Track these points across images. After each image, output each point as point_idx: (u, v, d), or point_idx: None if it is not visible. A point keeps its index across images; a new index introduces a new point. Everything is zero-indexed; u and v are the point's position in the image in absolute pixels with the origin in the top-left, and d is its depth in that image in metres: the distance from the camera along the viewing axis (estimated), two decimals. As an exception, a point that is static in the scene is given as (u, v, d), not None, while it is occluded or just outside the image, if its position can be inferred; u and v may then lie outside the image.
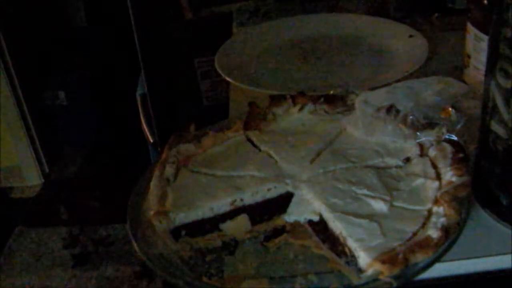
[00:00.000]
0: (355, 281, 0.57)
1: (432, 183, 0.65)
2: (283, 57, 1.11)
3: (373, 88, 0.80)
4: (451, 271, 0.62)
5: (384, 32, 1.13)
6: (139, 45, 1.29)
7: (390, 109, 0.73)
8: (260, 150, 0.74)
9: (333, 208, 0.63)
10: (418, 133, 0.70)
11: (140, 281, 1.85)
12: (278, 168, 0.70)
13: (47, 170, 2.41)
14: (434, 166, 0.67)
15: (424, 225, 0.60)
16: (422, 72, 0.95)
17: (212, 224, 0.66)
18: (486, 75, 0.62)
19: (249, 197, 0.67)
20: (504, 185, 0.64)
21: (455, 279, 0.62)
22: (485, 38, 0.80)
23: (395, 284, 0.55)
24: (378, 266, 0.55)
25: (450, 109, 0.74)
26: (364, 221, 0.61)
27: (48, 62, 2.34)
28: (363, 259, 0.57)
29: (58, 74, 2.37)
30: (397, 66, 1.01)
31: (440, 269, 0.60)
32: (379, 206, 0.63)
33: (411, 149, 0.70)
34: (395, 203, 0.63)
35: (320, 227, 0.64)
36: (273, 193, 0.68)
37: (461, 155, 0.66)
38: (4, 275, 1.93)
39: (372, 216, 0.62)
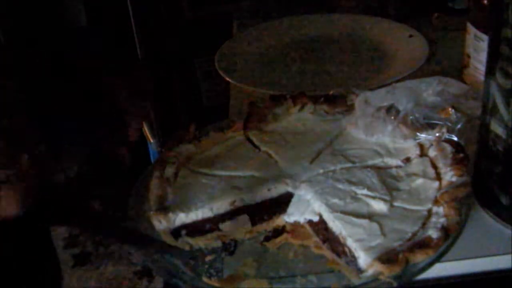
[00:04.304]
0: (355, 281, 0.57)
1: (432, 183, 0.65)
2: (283, 57, 1.11)
3: (373, 88, 0.80)
4: (451, 271, 0.62)
5: (384, 32, 1.13)
6: (139, 45, 1.29)
7: (390, 109, 0.73)
8: (260, 150, 0.74)
9: (333, 208, 0.63)
10: (418, 133, 0.70)
11: (140, 281, 1.85)
12: (278, 168, 0.70)
13: (47, 170, 2.41)
14: (434, 166, 0.67)
15: (424, 225, 0.60)
16: (422, 72, 0.95)
17: (212, 224, 0.66)
18: (486, 75, 0.62)
19: (249, 197, 0.67)
20: (504, 185, 0.64)
21: (455, 279, 0.62)
22: (485, 38, 0.80)
23: (395, 284, 0.55)
24: (378, 266, 0.55)
25: (450, 109, 0.74)
26: (364, 221, 0.61)
27: (48, 62, 2.34)
28: (363, 259, 0.57)
29: (58, 74, 2.37)
30: (397, 66, 1.00)
31: (440, 269, 0.60)
32: (379, 206, 0.63)
33: (411, 149, 0.70)
34: (395, 203, 0.63)
35: (320, 227, 0.64)
36: (273, 193, 0.67)
37: (461, 155, 0.66)
38: (4, 275, 1.93)
39: (372, 216, 0.62)
